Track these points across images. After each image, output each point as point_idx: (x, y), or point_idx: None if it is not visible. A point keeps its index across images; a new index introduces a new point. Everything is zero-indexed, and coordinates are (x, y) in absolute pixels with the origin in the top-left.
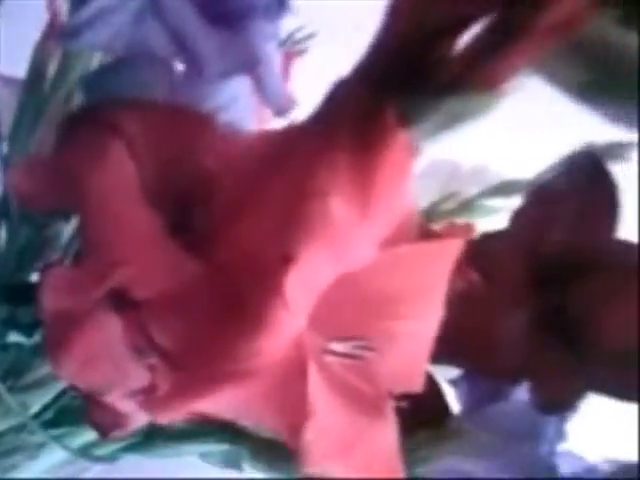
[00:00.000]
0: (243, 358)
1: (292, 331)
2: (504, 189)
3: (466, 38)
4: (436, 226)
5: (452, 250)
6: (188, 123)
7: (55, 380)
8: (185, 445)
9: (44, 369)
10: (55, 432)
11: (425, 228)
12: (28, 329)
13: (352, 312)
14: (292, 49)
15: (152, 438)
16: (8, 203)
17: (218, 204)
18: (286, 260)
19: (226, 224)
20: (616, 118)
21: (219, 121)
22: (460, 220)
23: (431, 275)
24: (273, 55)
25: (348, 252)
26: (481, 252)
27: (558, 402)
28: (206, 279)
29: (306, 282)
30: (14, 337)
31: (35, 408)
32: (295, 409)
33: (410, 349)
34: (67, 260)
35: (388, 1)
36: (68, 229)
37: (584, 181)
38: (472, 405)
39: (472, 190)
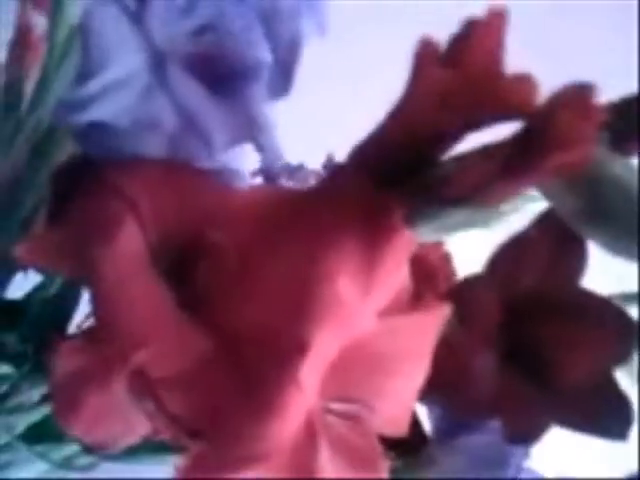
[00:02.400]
0: (256, 444)
1: (305, 409)
2: None
3: (473, 159)
4: None
5: (441, 316)
6: (189, 181)
7: (41, 404)
8: (169, 456)
9: (31, 393)
10: (38, 448)
11: None
12: (17, 360)
13: (349, 373)
14: None
15: (135, 450)
16: None
17: (222, 271)
18: (300, 348)
19: (233, 294)
20: (615, 250)
21: (220, 177)
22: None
23: (422, 338)
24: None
25: (354, 327)
26: (456, 295)
27: (526, 436)
28: (218, 358)
29: (319, 364)
30: (3, 369)
31: (20, 429)
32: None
33: (399, 402)
34: None
35: (396, 97)
36: None
37: (555, 230)
38: (445, 432)
39: None
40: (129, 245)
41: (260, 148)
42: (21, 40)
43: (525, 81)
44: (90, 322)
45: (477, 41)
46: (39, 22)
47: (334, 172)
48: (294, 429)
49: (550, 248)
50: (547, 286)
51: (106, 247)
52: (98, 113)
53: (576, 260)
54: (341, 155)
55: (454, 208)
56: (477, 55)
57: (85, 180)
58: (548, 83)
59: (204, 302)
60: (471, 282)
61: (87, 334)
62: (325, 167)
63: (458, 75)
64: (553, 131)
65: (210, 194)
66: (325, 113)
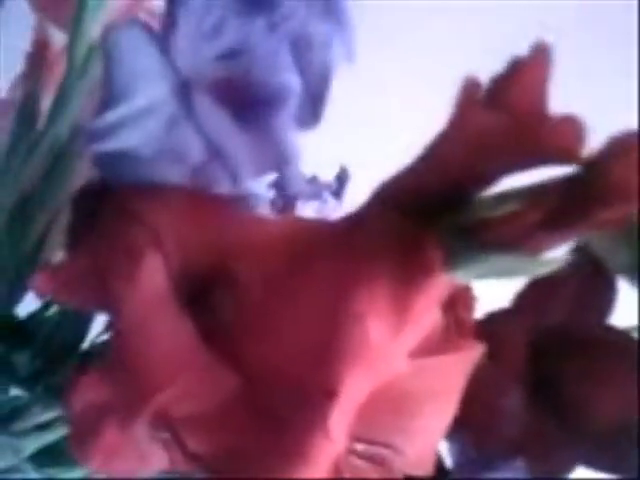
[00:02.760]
0: None
1: (332, 455)
2: None
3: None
4: None
5: (472, 357)
6: (212, 210)
7: (52, 427)
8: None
9: (42, 416)
10: (47, 471)
11: None
12: (29, 382)
13: (375, 413)
14: None
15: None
16: None
17: (246, 305)
18: (330, 394)
19: (257, 330)
20: None
21: (241, 203)
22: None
23: (453, 378)
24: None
25: (384, 371)
26: (485, 331)
27: (550, 475)
28: (242, 397)
29: (348, 409)
30: (15, 391)
31: (29, 451)
32: None
33: (425, 442)
34: None
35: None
36: None
37: (585, 267)
38: (467, 469)
39: None
40: (152, 279)
41: (284, 178)
42: (38, 55)
43: (571, 124)
44: (104, 339)
45: (521, 82)
46: (57, 37)
47: (364, 206)
48: (321, 475)
49: (579, 284)
50: (574, 322)
51: (129, 282)
52: (122, 142)
53: (605, 297)
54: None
55: (495, 254)
56: (521, 96)
57: (106, 207)
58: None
59: (226, 336)
60: (499, 317)
61: (108, 366)
62: (338, 179)
63: (501, 117)
64: (605, 183)
65: (233, 223)
66: (349, 144)
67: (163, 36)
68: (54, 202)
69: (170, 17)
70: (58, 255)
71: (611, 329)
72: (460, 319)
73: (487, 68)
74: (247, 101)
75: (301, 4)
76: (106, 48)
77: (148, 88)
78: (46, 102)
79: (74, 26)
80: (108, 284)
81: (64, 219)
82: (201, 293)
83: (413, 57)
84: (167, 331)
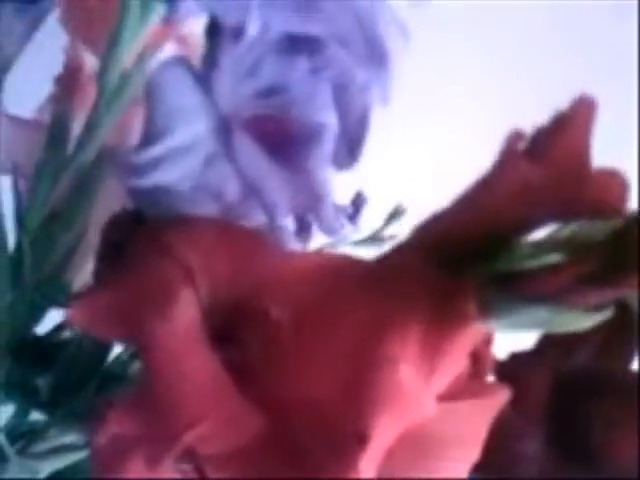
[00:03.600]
0: None
1: None
2: None
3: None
4: None
5: (498, 402)
6: (243, 243)
7: (69, 450)
8: None
9: (59, 440)
10: None
11: None
12: (49, 406)
13: (399, 455)
14: None
15: None
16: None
17: (276, 343)
18: (361, 439)
19: (286, 369)
20: None
21: (273, 240)
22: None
23: (478, 423)
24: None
25: (414, 415)
26: (507, 373)
27: None
28: (271, 438)
29: (377, 452)
30: (36, 415)
31: (45, 474)
32: None
33: None
34: None
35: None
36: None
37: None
38: None
39: None
40: (185, 316)
41: (317, 218)
42: (70, 78)
43: (613, 179)
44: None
45: (565, 137)
46: (89, 60)
47: (400, 248)
48: None
49: (607, 331)
50: (598, 366)
51: (162, 318)
52: (160, 178)
53: (632, 345)
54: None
55: (535, 306)
56: (564, 151)
57: (138, 238)
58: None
59: (255, 373)
60: (522, 359)
61: (136, 400)
62: (354, 204)
63: (544, 171)
64: None
65: (264, 257)
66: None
67: (205, 75)
68: (79, 223)
69: (212, 56)
70: (81, 277)
71: (635, 375)
72: (482, 359)
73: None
74: (284, 138)
75: (346, 51)
76: (150, 85)
77: (189, 126)
78: (75, 124)
79: (107, 53)
80: (141, 319)
81: (88, 241)
82: (230, 327)
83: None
84: (198, 368)
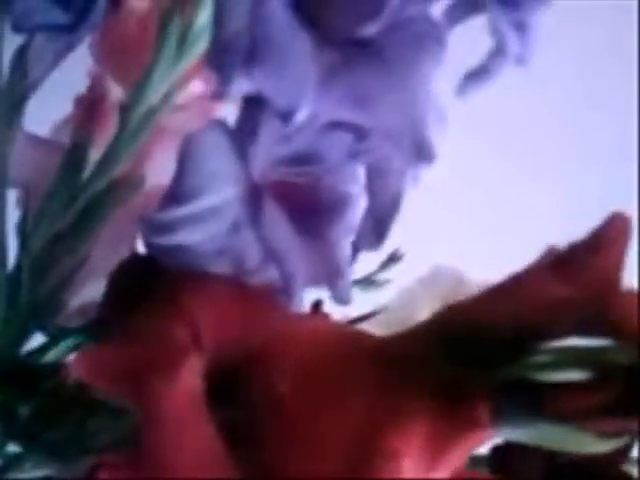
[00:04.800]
0: None
1: None
2: None
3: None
4: None
5: None
6: (254, 304)
7: None
8: None
9: (32, 474)
10: None
11: None
12: (27, 438)
13: None
14: None
15: None
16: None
17: (277, 410)
18: None
19: (285, 440)
20: None
21: (281, 303)
22: None
23: None
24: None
25: None
26: (500, 462)
27: None
28: None
29: None
30: (13, 448)
31: None
32: None
33: None
34: None
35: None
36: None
37: None
38: None
39: None
40: (190, 382)
41: (332, 290)
42: (93, 105)
43: (636, 301)
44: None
45: (599, 259)
46: (114, 91)
47: (415, 333)
48: None
49: None
50: (590, 461)
51: (165, 385)
52: (183, 238)
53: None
54: None
55: (552, 424)
56: (597, 273)
57: (150, 289)
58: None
59: (254, 439)
60: (515, 450)
61: (130, 458)
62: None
63: (574, 290)
64: None
65: (274, 320)
66: None
67: (241, 141)
68: (82, 248)
69: (252, 126)
70: (78, 300)
71: (629, 474)
72: None
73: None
74: (309, 205)
75: (391, 145)
76: (187, 144)
77: (219, 190)
78: (92, 151)
79: (137, 90)
80: (144, 380)
81: (90, 266)
82: (231, 385)
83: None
84: (195, 436)
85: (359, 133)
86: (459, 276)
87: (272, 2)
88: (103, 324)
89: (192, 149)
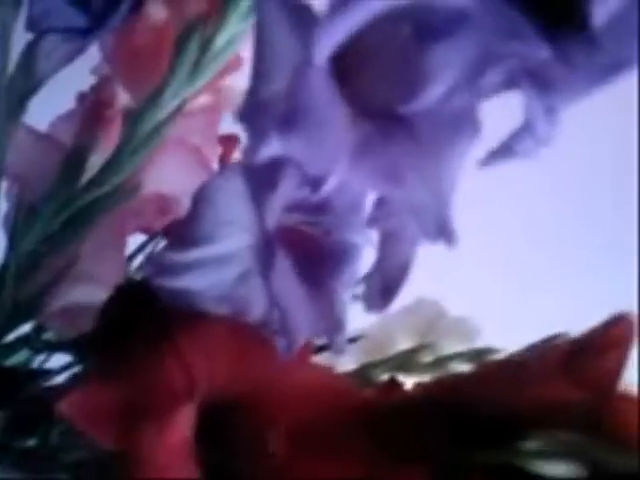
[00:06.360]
0: None
1: None
2: (480, 357)
3: None
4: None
5: None
6: (249, 348)
7: None
8: None
9: None
10: None
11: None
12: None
13: None
14: None
15: None
16: None
17: (265, 459)
18: None
19: None
20: None
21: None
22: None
23: None
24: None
25: None
26: None
27: None
28: None
29: None
30: None
31: None
32: None
33: None
34: None
35: None
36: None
37: None
38: None
39: (450, 342)
40: (182, 430)
41: (330, 344)
42: (98, 108)
43: (633, 405)
44: None
45: (603, 361)
46: (121, 95)
47: (410, 398)
48: None
49: None
50: None
51: (159, 432)
52: (189, 283)
53: None
54: None
55: None
56: (599, 373)
57: (145, 325)
58: None
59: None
60: None
61: None
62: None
63: (574, 389)
64: None
65: (268, 365)
66: None
67: (260, 192)
68: (70, 251)
69: (273, 180)
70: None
71: None
72: None
73: None
74: (315, 254)
75: (411, 215)
76: (205, 189)
77: (232, 238)
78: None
79: (148, 103)
80: (135, 428)
81: (77, 269)
82: (220, 425)
83: None
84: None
85: (380, 201)
86: (439, 310)
87: (314, 70)
88: (93, 350)
89: (210, 194)
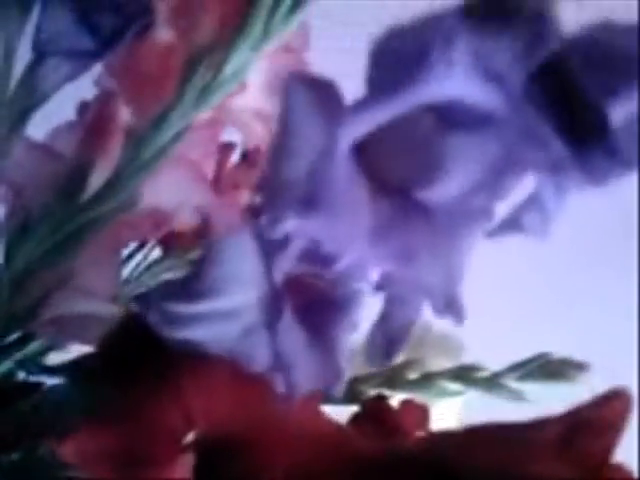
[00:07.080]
0: None
1: None
2: (467, 375)
3: None
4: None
5: None
6: (248, 391)
7: None
8: None
9: None
10: None
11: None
12: None
13: None
14: None
15: None
16: None
17: None
18: None
19: None
20: None
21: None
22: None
23: None
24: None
25: None
26: None
27: None
28: None
29: None
30: None
31: None
32: None
33: None
34: None
35: None
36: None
37: None
38: None
39: (437, 359)
40: (181, 474)
41: (328, 392)
42: (99, 124)
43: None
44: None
45: (597, 439)
46: (123, 111)
47: (404, 451)
48: None
49: None
50: None
51: (161, 474)
52: (192, 334)
53: None
54: None
55: None
56: (592, 449)
57: (146, 365)
58: None
59: None
60: None
61: None
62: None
63: (567, 466)
64: None
65: (266, 410)
66: None
67: (270, 252)
68: (66, 266)
69: (283, 241)
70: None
71: None
72: None
73: None
74: (317, 301)
75: (420, 291)
76: (217, 244)
77: (239, 293)
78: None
79: (153, 126)
80: (135, 472)
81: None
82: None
83: None
84: None
85: (390, 275)
86: (426, 326)
87: (339, 155)
88: (92, 382)
89: (219, 251)
